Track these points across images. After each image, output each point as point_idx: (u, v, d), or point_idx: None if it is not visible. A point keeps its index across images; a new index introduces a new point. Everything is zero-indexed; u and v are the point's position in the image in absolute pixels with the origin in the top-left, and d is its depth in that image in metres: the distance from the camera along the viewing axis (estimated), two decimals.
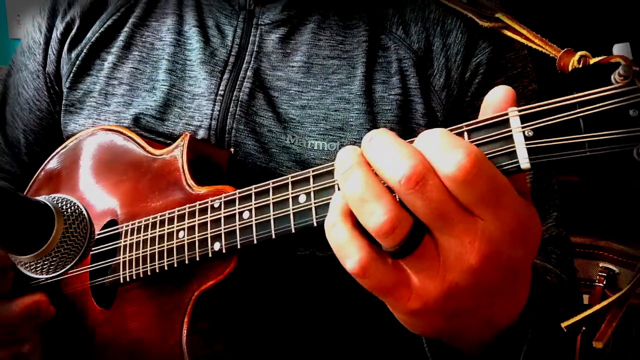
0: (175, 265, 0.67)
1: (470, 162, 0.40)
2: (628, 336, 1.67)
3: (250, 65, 0.81)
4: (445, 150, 0.40)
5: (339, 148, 0.76)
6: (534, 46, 0.56)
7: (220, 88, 0.80)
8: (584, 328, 1.61)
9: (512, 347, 0.51)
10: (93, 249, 0.75)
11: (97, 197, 0.81)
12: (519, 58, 0.81)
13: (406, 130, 0.77)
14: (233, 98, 0.79)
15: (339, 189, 0.51)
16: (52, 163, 0.88)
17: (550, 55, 0.52)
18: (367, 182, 0.42)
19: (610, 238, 1.74)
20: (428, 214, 0.41)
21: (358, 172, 0.42)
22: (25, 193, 0.90)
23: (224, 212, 0.63)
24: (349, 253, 0.43)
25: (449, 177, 0.40)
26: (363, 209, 0.42)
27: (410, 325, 0.47)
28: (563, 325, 0.43)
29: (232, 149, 0.78)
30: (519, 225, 0.42)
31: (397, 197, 0.42)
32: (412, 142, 0.43)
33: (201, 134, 0.80)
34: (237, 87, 0.80)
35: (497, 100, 0.44)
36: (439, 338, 0.50)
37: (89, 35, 0.89)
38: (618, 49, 0.43)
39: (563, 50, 0.48)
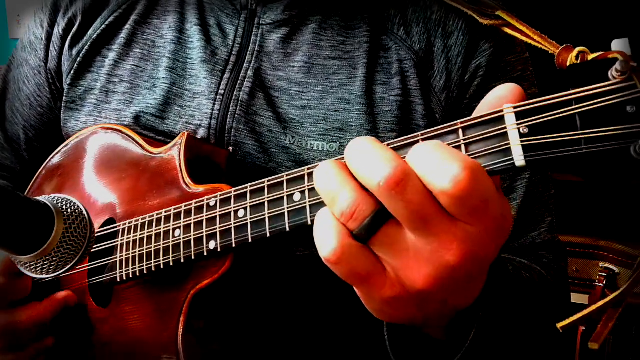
0: (171, 264, 0.67)
1: (465, 178, 0.40)
2: (628, 336, 1.66)
3: (251, 65, 0.80)
4: (440, 164, 0.41)
5: (339, 149, 0.76)
6: (533, 43, 0.56)
7: (221, 87, 0.80)
8: (583, 328, 1.61)
9: (466, 326, 0.52)
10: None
11: (96, 196, 0.81)
12: (520, 61, 0.80)
13: (406, 131, 0.77)
14: (233, 97, 0.79)
15: None
16: (54, 161, 0.88)
17: (550, 51, 0.51)
18: (334, 173, 0.44)
19: (610, 238, 1.73)
20: (407, 216, 0.42)
21: (328, 165, 0.45)
22: (27, 190, 0.90)
23: (220, 211, 0.63)
24: (325, 241, 0.44)
25: (443, 191, 0.40)
26: (329, 198, 0.44)
27: (379, 313, 0.48)
28: (558, 325, 0.42)
29: (230, 148, 0.78)
30: (498, 225, 0.43)
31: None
32: (400, 141, 0.43)
33: (201, 133, 0.79)
34: (237, 86, 0.80)
35: (502, 95, 0.44)
36: (405, 323, 0.51)
37: (90, 32, 0.89)
38: (617, 45, 0.43)
39: (562, 47, 0.48)
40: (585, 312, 0.41)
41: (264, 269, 0.74)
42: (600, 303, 0.40)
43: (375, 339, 0.80)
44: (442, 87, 0.78)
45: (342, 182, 0.44)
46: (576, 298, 1.69)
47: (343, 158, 0.45)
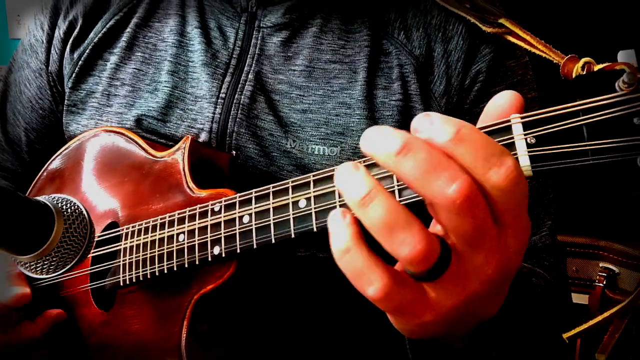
0: (175, 269, 0.67)
1: (517, 169, 0.38)
2: (628, 336, 1.66)
3: (252, 68, 0.80)
4: (492, 158, 0.38)
5: (340, 153, 0.76)
6: (537, 52, 0.56)
7: (222, 91, 0.80)
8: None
9: (486, 335, 0.51)
10: (93, 251, 0.75)
11: (99, 199, 0.80)
12: (520, 65, 0.80)
13: None
14: (234, 101, 0.79)
15: (339, 199, 0.51)
16: (55, 163, 0.88)
17: (554, 61, 0.52)
18: (395, 209, 0.38)
19: (610, 238, 1.73)
20: (471, 233, 0.39)
21: (381, 198, 0.39)
22: (27, 193, 0.90)
23: (224, 216, 0.63)
24: (370, 280, 0.40)
25: (498, 185, 0.38)
26: (392, 238, 0.38)
27: (410, 333, 0.47)
28: (565, 336, 0.42)
29: (233, 152, 0.78)
30: (527, 235, 0.42)
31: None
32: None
33: (203, 136, 0.79)
34: (238, 90, 0.79)
35: (502, 104, 0.44)
36: (431, 337, 0.50)
37: (91, 35, 0.89)
38: (623, 56, 0.43)
39: (567, 57, 0.48)
40: (591, 322, 0.41)
41: (266, 271, 0.74)
42: (607, 314, 0.40)
43: (379, 341, 0.80)
44: (442, 92, 0.78)
45: (406, 219, 0.38)
46: (576, 298, 1.69)
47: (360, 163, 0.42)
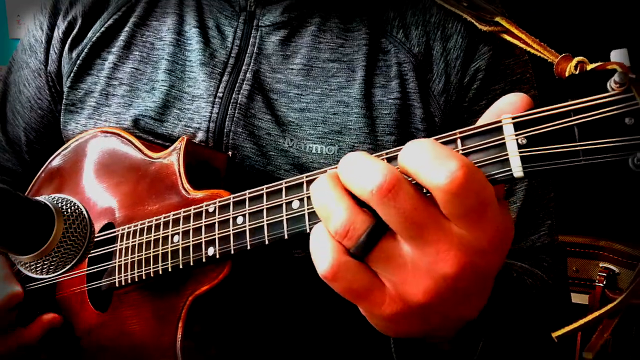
0: (170, 270, 0.67)
1: (462, 173, 0.39)
2: (628, 336, 1.66)
3: (250, 67, 0.80)
4: (435, 161, 0.40)
5: (338, 152, 0.76)
6: (532, 51, 0.56)
7: (219, 90, 0.80)
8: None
9: (473, 337, 0.52)
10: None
11: (95, 199, 0.80)
12: (519, 64, 0.80)
13: (405, 134, 0.77)
14: (232, 100, 0.79)
15: None
16: (54, 164, 0.88)
17: (549, 60, 0.51)
18: (328, 190, 0.44)
19: (610, 238, 1.73)
20: (401, 223, 0.41)
21: (323, 182, 0.45)
22: (26, 193, 0.90)
23: (218, 217, 0.63)
24: (321, 257, 0.44)
25: (439, 188, 0.40)
26: (324, 215, 0.44)
27: (384, 329, 0.48)
28: (554, 335, 0.42)
29: (230, 152, 0.78)
30: (498, 236, 0.42)
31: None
32: (399, 150, 0.43)
33: (200, 136, 0.79)
34: (236, 89, 0.79)
35: (508, 104, 0.44)
36: (410, 337, 0.51)
37: (90, 34, 0.89)
38: (615, 55, 0.42)
39: (561, 56, 0.48)
40: (580, 322, 0.41)
41: (262, 272, 0.74)
42: (596, 314, 0.40)
43: (374, 343, 0.80)
44: (441, 91, 0.77)
45: (336, 200, 0.43)
46: (576, 298, 1.69)
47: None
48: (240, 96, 0.79)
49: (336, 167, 0.46)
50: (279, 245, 0.56)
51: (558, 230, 0.83)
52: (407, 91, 0.77)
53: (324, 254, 0.44)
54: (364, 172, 0.42)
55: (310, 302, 0.78)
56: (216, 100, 0.79)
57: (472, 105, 0.78)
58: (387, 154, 0.47)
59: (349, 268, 0.43)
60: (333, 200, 0.43)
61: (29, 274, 0.61)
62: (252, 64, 0.80)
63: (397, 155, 0.44)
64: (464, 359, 0.52)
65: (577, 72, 0.45)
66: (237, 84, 0.79)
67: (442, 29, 0.78)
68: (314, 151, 0.76)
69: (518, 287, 0.65)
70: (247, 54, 0.81)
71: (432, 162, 0.40)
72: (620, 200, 1.76)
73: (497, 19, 0.67)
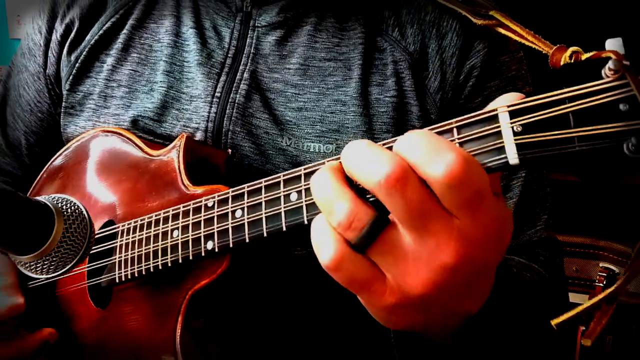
0: (169, 264, 0.67)
1: (459, 165, 0.40)
2: (628, 336, 1.66)
3: (247, 67, 0.81)
4: (433, 152, 0.41)
5: (335, 150, 0.76)
6: (527, 43, 0.56)
7: (217, 90, 0.80)
8: (582, 327, 1.61)
9: (476, 333, 0.52)
10: None
11: (96, 198, 0.81)
12: (514, 61, 0.81)
13: (401, 132, 0.76)
14: (230, 100, 0.79)
15: None
16: (55, 164, 0.89)
17: (543, 52, 0.52)
18: (330, 183, 0.44)
19: (610, 238, 1.73)
20: (406, 214, 0.42)
21: (323, 174, 0.45)
22: (28, 193, 0.90)
23: (217, 211, 0.63)
24: (324, 248, 0.44)
25: (437, 180, 0.41)
26: (327, 208, 0.44)
27: (384, 320, 0.48)
28: (553, 323, 0.42)
29: (229, 150, 0.78)
30: (496, 227, 0.43)
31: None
32: (394, 141, 0.44)
33: (198, 136, 0.80)
34: (233, 89, 0.80)
35: (504, 103, 0.44)
36: (411, 330, 0.51)
37: (88, 37, 0.89)
38: (610, 44, 0.43)
39: (555, 47, 0.48)
40: (579, 309, 0.41)
41: (262, 268, 0.74)
42: (594, 300, 0.40)
43: (374, 339, 0.80)
44: (437, 88, 0.78)
45: (338, 192, 0.44)
46: (576, 298, 1.69)
47: (339, 158, 0.45)
48: (238, 96, 0.79)
49: (334, 159, 0.46)
50: (278, 238, 0.57)
51: (558, 229, 0.84)
52: (404, 89, 0.78)
53: (327, 245, 0.44)
54: (370, 162, 0.42)
55: (309, 299, 0.78)
56: (214, 100, 0.80)
57: (468, 102, 0.78)
58: (383, 144, 0.47)
59: (351, 259, 0.44)
60: (336, 193, 0.44)
61: (29, 274, 0.62)
62: (249, 64, 0.81)
63: (392, 146, 0.44)
64: (464, 353, 0.53)
65: (572, 61, 0.45)
66: (235, 84, 0.80)
67: (437, 27, 0.79)
68: (312, 150, 0.77)
69: (518, 283, 0.65)
70: (244, 54, 0.81)
71: (428, 154, 0.41)
72: (620, 200, 1.76)
73: (492, 12, 0.68)
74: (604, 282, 1.71)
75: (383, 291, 0.45)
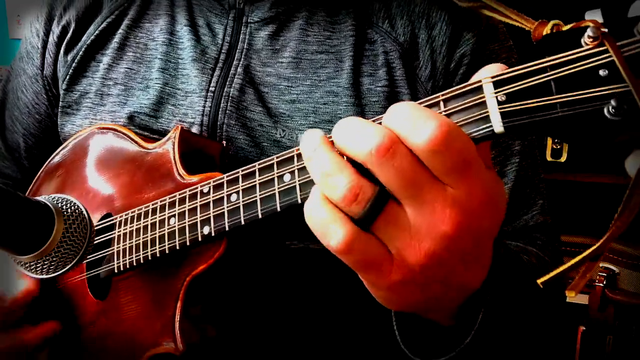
0: (167, 251, 0.68)
1: (441, 132, 0.41)
2: (628, 336, 1.66)
3: (241, 62, 0.82)
4: (416, 122, 0.42)
5: None
6: (510, 21, 0.57)
7: (211, 85, 0.81)
8: (583, 328, 1.61)
9: (474, 312, 0.52)
10: None
11: (94, 193, 0.82)
12: (504, 49, 0.82)
13: None
14: (224, 94, 0.81)
15: None
16: (53, 162, 0.90)
17: (526, 28, 0.53)
18: (329, 158, 0.44)
19: None
20: (399, 183, 0.42)
21: (321, 149, 0.45)
22: (27, 192, 0.91)
23: (213, 196, 0.64)
24: (332, 232, 0.43)
25: (421, 148, 0.41)
26: (328, 184, 0.44)
27: (387, 301, 0.48)
28: (539, 281, 0.43)
29: (224, 142, 0.80)
30: (488, 195, 0.44)
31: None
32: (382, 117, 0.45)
33: (194, 130, 0.81)
34: (227, 83, 0.81)
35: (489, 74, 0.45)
36: (413, 311, 0.51)
37: (84, 38, 0.91)
38: (590, 15, 0.44)
39: (538, 22, 0.49)
40: (564, 266, 0.42)
41: (259, 262, 0.75)
42: (579, 257, 0.41)
43: (371, 329, 0.81)
44: (428, 77, 0.79)
45: (339, 165, 0.43)
46: (576, 298, 1.68)
47: (330, 138, 0.46)
48: (232, 89, 0.81)
49: (324, 137, 0.46)
50: (273, 220, 0.57)
51: (558, 230, 0.84)
52: (395, 79, 0.79)
53: (334, 229, 0.43)
54: (360, 134, 0.43)
55: (307, 292, 0.79)
56: (208, 94, 0.81)
57: None
58: (373, 120, 0.48)
59: (361, 239, 0.43)
60: (336, 166, 0.43)
61: (29, 274, 0.62)
62: (242, 59, 0.82)
63: (381, 121, 0.45)
64: (465, 332, 0.53)
65: (553, 32, 0.46)
66: (229, 78, 0.81)
67: (426, 18, 0.80)
68: None
69: (516, 262, 0.66)
70: (237, 50, 0.83)
71: (413, 124, 0.42)
72: (620, 201, 1.76)
73: None
74: (604, 282, 1.71)
75: (390, 269, 0.45)
